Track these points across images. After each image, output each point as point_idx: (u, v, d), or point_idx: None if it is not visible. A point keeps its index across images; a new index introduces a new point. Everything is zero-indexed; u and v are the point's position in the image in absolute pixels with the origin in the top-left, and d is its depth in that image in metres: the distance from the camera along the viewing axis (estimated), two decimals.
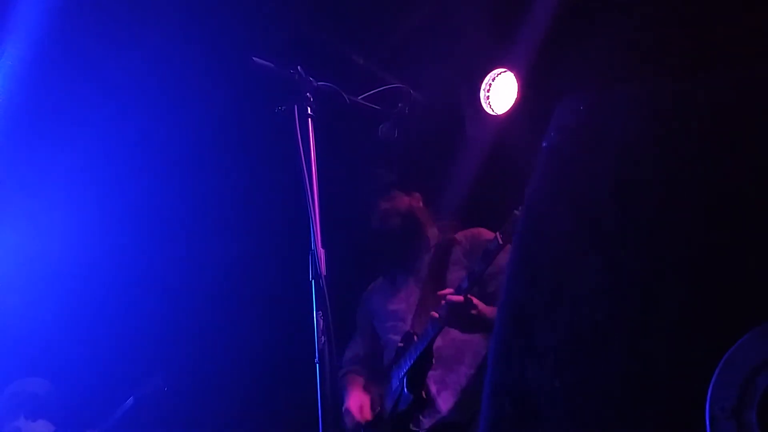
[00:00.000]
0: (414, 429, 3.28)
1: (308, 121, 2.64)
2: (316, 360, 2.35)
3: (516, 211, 2.80)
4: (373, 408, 3.46)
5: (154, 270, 4.91)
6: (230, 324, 4.97)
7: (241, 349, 4.93)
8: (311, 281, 2.42)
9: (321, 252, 2.43)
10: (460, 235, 3.48)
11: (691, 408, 1.38)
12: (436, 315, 3.07)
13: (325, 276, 2.40)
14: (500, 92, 4.27)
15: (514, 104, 4.18)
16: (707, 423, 1.36)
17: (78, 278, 4.81)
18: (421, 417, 3.28)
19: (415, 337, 3.29)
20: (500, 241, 2.89)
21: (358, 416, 3.40)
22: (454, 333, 3.18)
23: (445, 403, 3.24)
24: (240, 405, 4.96)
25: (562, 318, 1.54)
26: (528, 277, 1.59)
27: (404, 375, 3.28)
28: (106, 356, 4.79)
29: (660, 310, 1.47)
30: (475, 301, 3.01)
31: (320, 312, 2.37)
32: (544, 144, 1.59)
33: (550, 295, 1.56)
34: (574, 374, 1.51)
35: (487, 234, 3.37)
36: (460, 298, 2.98)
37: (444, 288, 3.16)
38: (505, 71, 4.25)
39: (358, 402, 3.47)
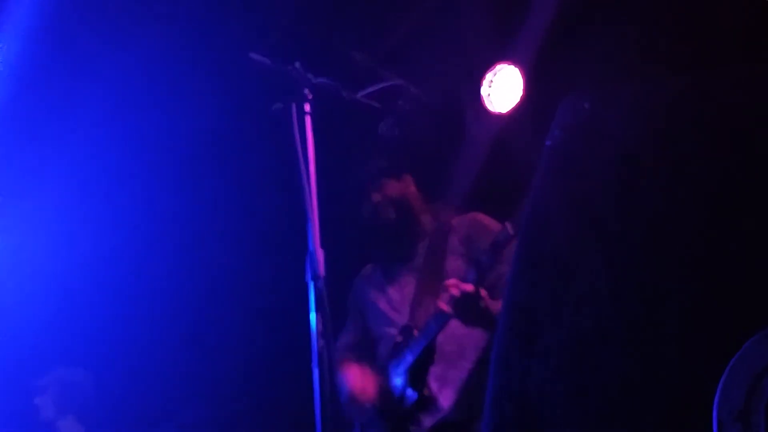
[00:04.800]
0: (414, 429, 3.17)
1: (306, 118, 2.61)
2: (315, 362, 2.33)
3: None
4: (374, 392, 3.28)
5: (149, 270, 4.89)
6: (226, 325, 4.95)
7: (238, 351, 4.91)
8: (309, 282, 2.40)
9: (319, 253, 2.41)
10: (456, 221, 3.34)
11: (697, 412, 1.37)
12: (444, 306, 2.92)
13: (323, 277, 2.38)
14: (502, 89, 4.22)
15: (517, 102, 4.14)
16: (714, 427, 1.34)
17: (73, 277, 4.80)
18: (421, 416, 3.16)
19: (416, 332, 3.18)
20: (511, 232, 2.75)
21: (361, 397, 3.23)
22: (454, 327, 3.05)
23: (446, 400, 3.12)
24: (237, 407, 4.94)
25: (564, 320, 1.53)
26: (531, 279, 1.58)
27: (406, 372, 3.16)
28: (102, 355, 4.77)
29: (664, 312, 1.46)
30: (483, 293, 2.91)
31: (318, 314, 2.35)
32: (547, 143, 1.58)
33: (552, 296, 1.55)
34: (577, 377, 1.50)
35: (485, 219, 3.27)
36: (471, 287, 2.86)
37: (442, 278, 3.05)
38: (508, 66, 4.22)
39: (359, 383, 3.28)
